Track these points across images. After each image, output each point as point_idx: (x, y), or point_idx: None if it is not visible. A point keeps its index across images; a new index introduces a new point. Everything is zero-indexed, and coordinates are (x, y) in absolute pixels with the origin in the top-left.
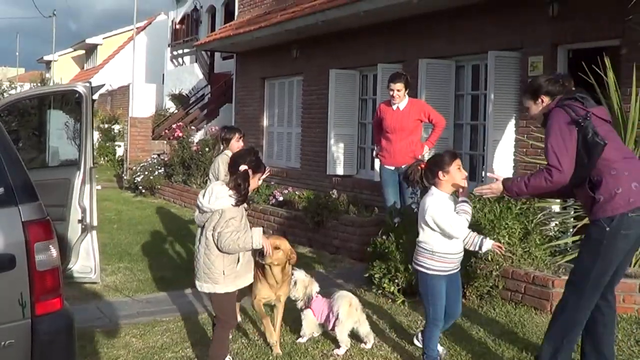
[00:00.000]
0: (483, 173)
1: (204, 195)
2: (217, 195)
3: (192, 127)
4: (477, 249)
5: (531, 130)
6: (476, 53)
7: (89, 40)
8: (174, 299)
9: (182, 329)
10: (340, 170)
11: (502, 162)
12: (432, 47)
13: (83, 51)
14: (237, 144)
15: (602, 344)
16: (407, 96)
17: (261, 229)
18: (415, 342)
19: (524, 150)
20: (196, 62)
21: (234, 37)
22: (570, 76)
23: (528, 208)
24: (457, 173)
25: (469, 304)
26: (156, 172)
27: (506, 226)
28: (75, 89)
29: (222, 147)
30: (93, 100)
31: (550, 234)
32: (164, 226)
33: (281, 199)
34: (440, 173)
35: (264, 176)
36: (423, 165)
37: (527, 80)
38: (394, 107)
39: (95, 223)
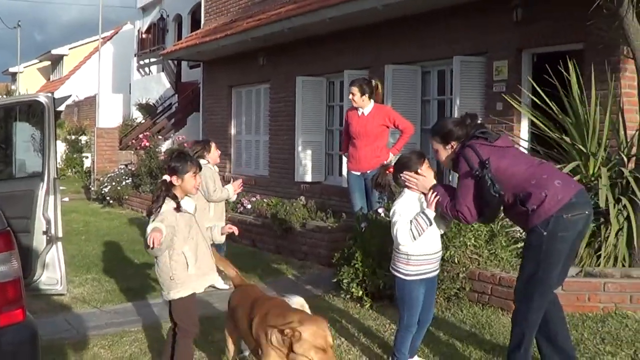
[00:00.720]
0: (450, 177)
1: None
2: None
3: (160, 137)
4: (429, 225)
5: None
6: (442, 58)
7: (54, 51)
8: (142, 309)
9: (150, 339)
10: (308, 177)
11: None
12: (398, 53)
13: (49, 62)
14: (216, 152)
15: (559, 340)
16: (372, 102)
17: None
18: None
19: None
20: (163, 71)
21: (200, 46)
22: (476, 115)
23: None
24: (427, 172)
25: (436, 307)
26: (124, 183)
27: (472, 229)
28: (37, 99)
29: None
30: (57, 111)
31: (517, 235)
32: (132, 237)
33: (249, 206)
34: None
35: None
36: (391, 170)
37: (493, 85)
38: (359, 112)
39: (60, 234)
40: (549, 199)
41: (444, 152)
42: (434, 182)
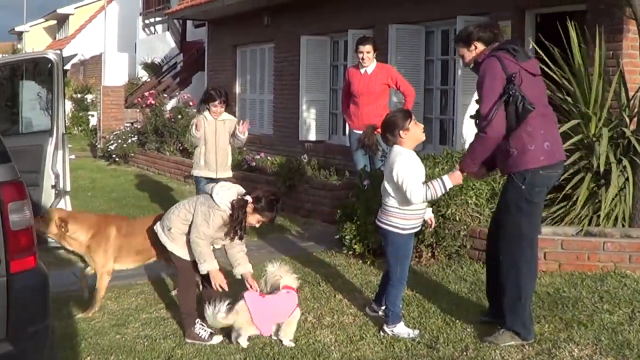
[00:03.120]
0: (453, 137)
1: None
2: (224, 194)
3: (165, 95)
4: (443, 192)
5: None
6: (445, 18)
7: (60, 10)
8: (149, 263)
9: (155, 292)
10: (312, 136)
11: (472, 125)
12: (401, 13)
13: (55, 21)
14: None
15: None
16: (375, 60)
17: (218, 266)
18: (368, 311)
19: None
20: (168, 30)
21: (205, 5)
22: (498, 26)
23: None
24: (415, 128)
25: (438, 263)
26: (129, 140)
27: (473, 187)
28: (46, 56)
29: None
30: (65, 69)
31: None
32: (137, 193)
33: (254, 164)
34: (401, 132)
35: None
36: (379, 130)
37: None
38: (362, 70)
39: (68, 188)
40: (531, 153)
41: (468, 54)
42: (423, 136)
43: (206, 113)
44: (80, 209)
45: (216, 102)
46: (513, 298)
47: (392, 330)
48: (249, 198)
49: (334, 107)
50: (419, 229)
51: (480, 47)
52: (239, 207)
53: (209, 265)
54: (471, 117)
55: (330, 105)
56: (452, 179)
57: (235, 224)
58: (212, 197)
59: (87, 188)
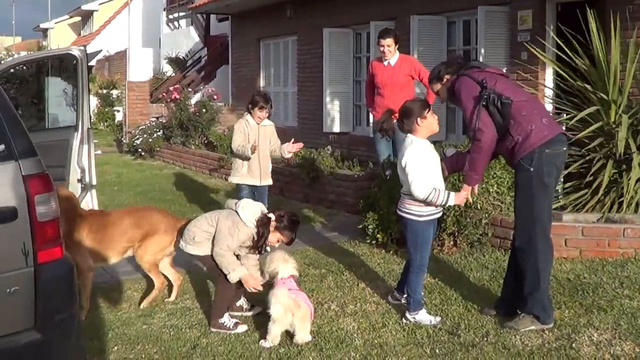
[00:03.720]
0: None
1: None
2: (249, 210)
3: (189, 89)
4: (445, 203)
5: (520, 82)
6: (467, 9)
7: (84, 7)
8: (176, 255)
9: (182, 283)
10: (336, 128)
11: None
12: (423, 4)
13: (79, 18)
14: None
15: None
16: (397, 52)
17: (246, 271)
18: (390, 299)
19: None
20: (192, 25)
21: None
22: (461, 56)
23: None
24: (432, 119)
25: (460, 252)
26: (155, 135)
27: (495, 176)
28: (70, 52)
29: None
30: (90, 66)
31: None
32: (163, 187)
33: None
34: (418, 120)
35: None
36: (396, 116)
37: (517, 35)
38: (385, 62)
39: (94, 182)
40: (534, 133)
41: (442, 87)
42: (437, 127)
43: (249, 118)
44: (107, 203)
45: (264, 110)
46: (532, 282)
47: (414, 317)
48: (272, 216)
49: (357, 99)
50: (439, 215)
51: (449, 77)
52: (262, 224)
53: (238, 272)
54: (463, 133)
55: (354, 97)
56: (456, 199)
57: (260, 241)
58: (237, 212)
59: (113, 182)
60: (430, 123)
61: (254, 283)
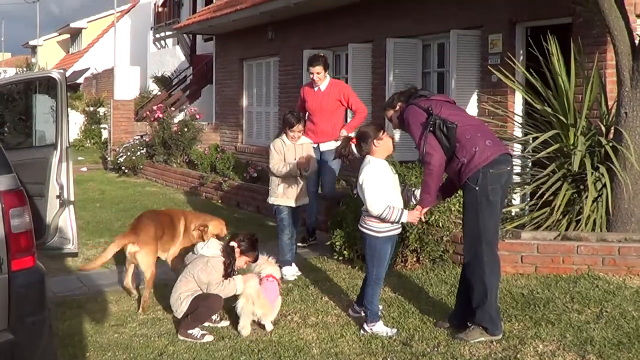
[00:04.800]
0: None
1: (201, 243)
2: (208, 245)
3: (172, 109)
4: (398, 220)
5: (489, 104)
6: (441, 32)
7: (73, 25)
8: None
9: (154, 296)
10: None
11: None
12: (399, 27)
13: (68, 35)
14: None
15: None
16: (328, 77)
17: (241, 276)
18: (350, 312)
19: (486, 123)
20: (178, 44)
21: (212, 20)
22: (415, 87)
23: None
24: (387, 140)
25: (422, 267)
26: (138, 153)
27: (457, 195)
28: (50, 75)
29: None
30: (75, 84)
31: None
32: (144, 204)
33: (255, 175)
34: (375, 141)
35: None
36: (354, 141)
37: (488, 58)
38: (315, 88)
39: (72, 198)
40: (478, 154)
41: (394, 114)
42: (391, 148)
43: (284, 137)
44: (88, 219)
45: (295, 127)
46: (480, 295)
47: (371, 329)
48: (234, 244)
49: None
50: (397, 232)
51: (401, 105)
52: (228, 254)
53: (239, 283)
54: (418, 160)
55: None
56: (409, 217)
57: (229, 268)
58: (201, 255)
59: (96, 199)
60: (386, 143)
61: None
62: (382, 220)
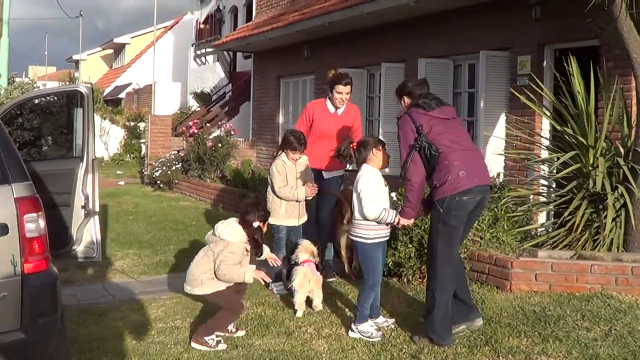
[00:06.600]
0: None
1: (222, 223)
2: (230, 230)
3: (207, 124)
4: (392, 221)
5: (519, 126)
6: (472, 53)
7: (117, 40)
8: (174, 280)
9: (176, 305)
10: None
11: (493, 155)
12: (431, 47)
13: (112, 50)
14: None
15: (458, 294)
16: None
17: (254, 266)
18: (351, 334)
19: (513, 144)
20: (218, 61)
21: (250, 38)
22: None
23: (499, 197)
24: (384, 154)
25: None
26: (174, 167)
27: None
28: (77, 89)
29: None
30: (119, 98)
31: (521, 220)
32: (176, 218)
33: None
34: (374, 150)
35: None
36: (354, 146)
37: (517, 79)
38: (332, 110)
39: (97, 209)
40: (448, 183)
41: (401, 106)
42: (386, 163)
43: (284, 157)
44: (120, 231)
45: (297, 151)
46: (429, 307)
47: (357, 328)
48: (256, 223)
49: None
50: (386, 238)
51: (406, 100)
52: (255, 231)
53: (249, 272)
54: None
55: (366, 135)
56: (401, 219)
57: (258, 244)
58: (222, 238)
59: (129, 212)
60: (382, 156)
61: (262, 275)
62: (379, 222)
